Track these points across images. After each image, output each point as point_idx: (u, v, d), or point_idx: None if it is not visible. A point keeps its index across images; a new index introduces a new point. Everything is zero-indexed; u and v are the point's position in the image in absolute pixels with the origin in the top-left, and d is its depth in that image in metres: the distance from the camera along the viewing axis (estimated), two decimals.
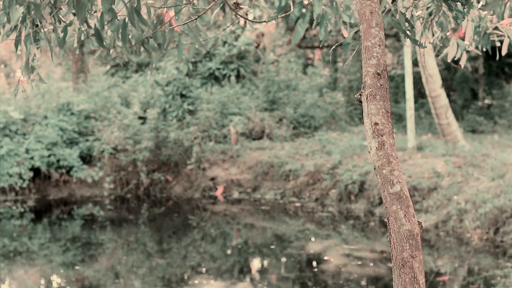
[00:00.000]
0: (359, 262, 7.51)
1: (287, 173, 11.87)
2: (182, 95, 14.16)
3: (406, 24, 2.90)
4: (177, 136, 12.68)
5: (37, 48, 2.92)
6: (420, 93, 16.26)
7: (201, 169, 12.67)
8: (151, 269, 7.51)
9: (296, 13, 2.92)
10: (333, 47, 3.12)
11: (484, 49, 3.50)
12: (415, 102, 15.73)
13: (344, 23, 3.04)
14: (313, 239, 9.14)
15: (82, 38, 3.01)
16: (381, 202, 10.07)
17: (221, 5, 3.17)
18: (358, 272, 7.11)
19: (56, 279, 7.44)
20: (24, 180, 12.28)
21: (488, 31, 3.42)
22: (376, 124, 2.25)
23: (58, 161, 12.69)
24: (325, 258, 7.91)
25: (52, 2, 2.87)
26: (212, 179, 12.56)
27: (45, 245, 8.96)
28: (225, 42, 15.63)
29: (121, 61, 3.33)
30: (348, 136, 13.23)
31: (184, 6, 3.02)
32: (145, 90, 14.10)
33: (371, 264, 7.49)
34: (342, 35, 15.67)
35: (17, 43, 2.92)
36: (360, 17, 2.39)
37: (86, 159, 13.24)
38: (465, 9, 3.00)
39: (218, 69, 15.41)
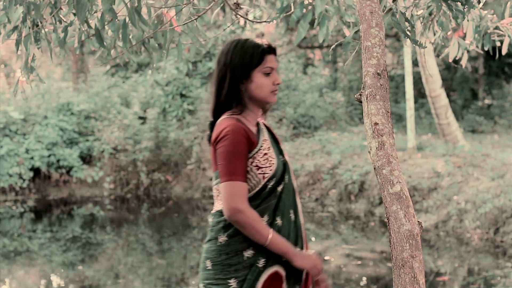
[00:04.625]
0: (359, 262, 7.51)
1: None
2: (182, 95, 14.16)
3: (406, 24, 2.90)
4: (177, 136, 12.68)
5: (38, 49, 2.92)
6: (420, 93, 16.26)
7: (201, 169, 12.67)
8: (151, 269, 7.51)
9: (297, 13, 2.91)
10: (333, 46, 3.12)
11: (486, 49, 3.50)
12: (415, 102, 15.72)
13: (344, 22, 3.04)
14: (313, 239, 9.14)
15: (83, 38, 3.01)
16: (381, 202, 10.07)
17: (221, 5, 3.17)
18: (358, 272, 7.11)
19: (56, 279, 7.44)
20: (24, 180, 12.28)
21: (488, 31, 3.42)
22: (376, 124, 2.25)
23: (58, 161, 12.69)
24: (325, 258, 7.91)
25: (53, 2, 2.87)
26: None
27: (45, 245, 8.96)
28: (225, 42, 15.62)
29: (122, 61, 3.33)
30: (348, 136, 13.22)
31: (184, 6, 3.02)
32: (145, 90, 14.09)
33: (371, 264, 7.49)
34: (342, 35, 15.66)
35: (17, 43, 2.92)
36: (360, 17, 2.39)
37: (86, 159, 13.24)
38: (465, 9, 3.00)
39: None
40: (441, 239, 8.46)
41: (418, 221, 2.18)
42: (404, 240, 2.14)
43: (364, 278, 6.94)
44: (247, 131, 2.49)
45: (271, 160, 2.52)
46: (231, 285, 2.46)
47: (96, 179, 12.64)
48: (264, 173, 2.49)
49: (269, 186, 2.50)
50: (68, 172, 12.80)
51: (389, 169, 2.20)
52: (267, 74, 2.55)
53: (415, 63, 14.45)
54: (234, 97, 2.54)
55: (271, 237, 2.43)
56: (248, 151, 2.47)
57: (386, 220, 2.19)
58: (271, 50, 2.56)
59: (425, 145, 11.83)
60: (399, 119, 15.81)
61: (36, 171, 12.62)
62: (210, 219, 2.58)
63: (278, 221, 2.50)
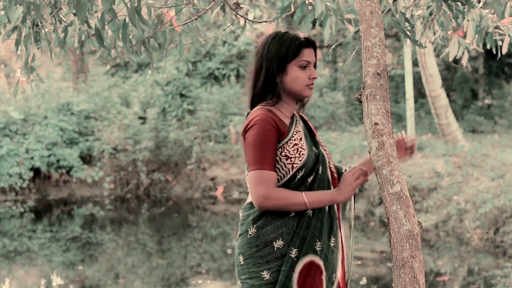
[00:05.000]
0: (359, 262, 7.50)
1: None
2: (181, 95, 14.16)
3: (406, 24, 2.90)
4: (177, 136, 12.68)
5: (38, 49, 2.92)
6: (420, 93, 16.26)
7: (201, 169, 12.67)
8: (151, 269, 7.51)
9: (298, 14, 2.91)
10: (333, 46, 3.11)
11: (488, 47, 3.50)
12: (415, 102, 15.72)
13: (346, 20, 3.03)
14: None
15: (83, 38, 3.01)
16: (381, 202, 10.06)
17: (221, 5, 3.17)
18: (358, 272, 7.11)
19: (56, 279, 7.44)
20: (24, 180, 12.28)
21: (489, 30, 3.42)
22: (376, 124, 2.25)
23: (58, 161, 12.69)
24: None
25: (53, 2, 2.87)
26: (212, 179, 12.56)
27: (45, 245, 8.96)
28: (225, 42, 15.62)
29: (122, 61, 3.33)
30: (348, 136, 13.22)
31: (185, 6, 3.02)
32: (145, 90, 14.10)
33: (371, 264, 7.48)
34: (342, 35, 15.63)
35: (17, 43, 2.92)
36: (360, 17, 2.39)
37: (86, 159, 13.24)
38: (465, 9, 3.00)
39: (218, 69, 15.41)
40: (441, 239, 8.46)
41: (418, 221, 2.18)
42: (404, 240, 2.14)
43: (364, 278, 6.94)
44: (276, 121, 2.47)
45: (301, 151, 2.50)
46: (265, 277, 2.44)
47: (96, 179, 12.64)
48: (293, 163, 2.48)
49: (298, 177, 2.49)
50: (68, 172, 12.80)
51: (389, 169, 2.20)
52: (303, 68, 2.53)
53: (415, 63, 14.45)
54: (270, 89, 2.54)
55: (308, 201, 2.45)
56: (277, 140, 2.46)
57: (386, 220, 2.19)
58: (309, 43, 2.54)
59: (425, 145, 11.83)
60: (399, 119, 15.81)
61: (36, 171, 12.62)
62: (241, 213, 2.56)
63: (309, 211, 2.50)
